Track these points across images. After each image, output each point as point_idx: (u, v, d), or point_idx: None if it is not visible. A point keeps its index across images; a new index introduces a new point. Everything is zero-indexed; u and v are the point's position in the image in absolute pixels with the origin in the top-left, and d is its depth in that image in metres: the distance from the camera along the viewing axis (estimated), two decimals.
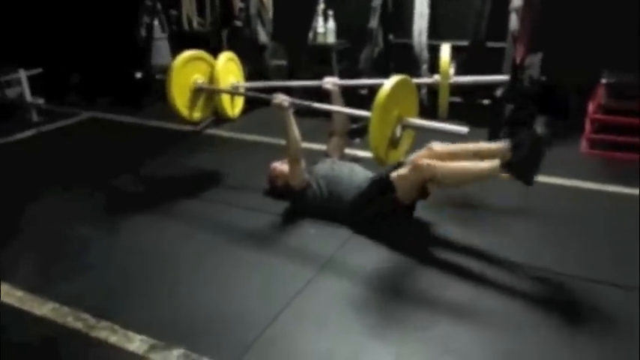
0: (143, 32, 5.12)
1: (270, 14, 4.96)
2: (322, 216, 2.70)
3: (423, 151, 2.47)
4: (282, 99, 2.63)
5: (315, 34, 4.54)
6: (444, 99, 2.66)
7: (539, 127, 2.18)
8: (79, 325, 1.95)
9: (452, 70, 2.77)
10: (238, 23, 4.60)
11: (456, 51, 4.07)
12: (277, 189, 2.90)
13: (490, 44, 4.08)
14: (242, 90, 3.08)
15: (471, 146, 2.39)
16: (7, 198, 3.16)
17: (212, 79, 2.96)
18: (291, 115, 2.64)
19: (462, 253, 2.36)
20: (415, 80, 2.43)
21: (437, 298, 2.05)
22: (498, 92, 3.49)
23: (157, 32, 5.30)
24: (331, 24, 4.48)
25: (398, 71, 3.70)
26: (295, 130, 2.63)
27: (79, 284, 2.22)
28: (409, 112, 2.33)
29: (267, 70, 4.80)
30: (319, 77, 3.00)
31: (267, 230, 2.65)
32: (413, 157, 2.46)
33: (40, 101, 4.74)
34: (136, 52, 5.15)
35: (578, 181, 3.11)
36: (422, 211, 2.66)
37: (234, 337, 1.86)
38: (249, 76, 4.81)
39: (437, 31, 4.20)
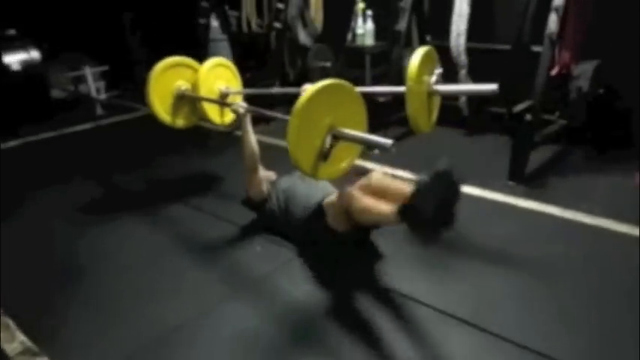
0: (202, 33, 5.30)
1: (320, 14, 4.84)
2: (278, 232, 2.57)
3: (364, 179, 2.23)
4: (239, 105, 2.57)
5: (354, 35, 4.34)
6: (412, 109, 2.32)
7: (442, 162, 1.72)
8: None
9: (434, 78, 2.42)
10: (277, 25, 4.54)
11: (497, 55, 3.69)
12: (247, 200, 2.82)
13: (536, 48, 3.55)
14: (227, 97, 3.02)
15: (403, 187, 2.04)
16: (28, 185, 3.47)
17: (194, 85, 2.95)
18: (247, 122, 2.55)
19: (395, 300, 2.07)
20: (361, 89, 2.13)
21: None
22: (519, 106, 3.02)
23: (217, 33, 5.47)
24: (370, 25, 4.24)
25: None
26: (251, 138, 2.54)
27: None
28: (347, 121, 2.00)
29: (309, 72, 4.70)
30: (354, 82, 2.81)
31: (218, 241, 2.60)
32: (359, 182, 2.23)
33: (103, 96, 5.16)
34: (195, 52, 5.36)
35: (628, 226, 2.51)
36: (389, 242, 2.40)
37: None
38: (293, 79, 4.81)
39: (477, 32, 3.76)
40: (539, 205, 2.81)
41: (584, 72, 3.21)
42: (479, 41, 3.75)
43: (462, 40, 3.76)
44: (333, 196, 2.29)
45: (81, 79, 5.19)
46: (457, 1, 3.73)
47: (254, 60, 5.35)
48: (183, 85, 2.96)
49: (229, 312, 2.05)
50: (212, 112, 2.99)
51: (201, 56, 5.19)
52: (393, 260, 2.33)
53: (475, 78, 3.90)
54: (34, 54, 4.61)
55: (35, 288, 2.32)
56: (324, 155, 1.94)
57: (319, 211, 2.31)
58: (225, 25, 5.41)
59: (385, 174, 2.25)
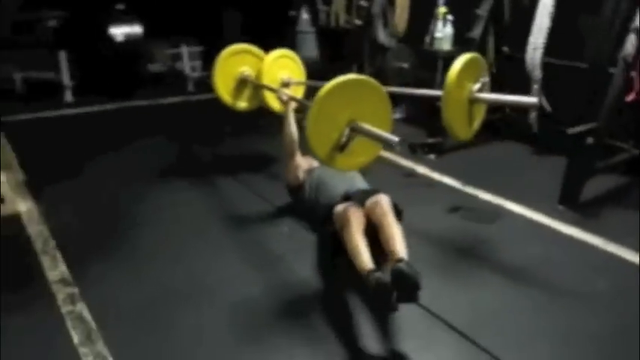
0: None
1: (405, 14, 4.86)
2: (307, 218, 2.70)
3: (373, 199, 2.26)
4: (282, 93, 2.72)
5: (432, 38, 4.33)
6: (448, 114, 2.33)
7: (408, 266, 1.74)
8: None
9: (477, 86, 2.42)
10: (357, 22, 4.64)
11: (574, 74, 3.53)
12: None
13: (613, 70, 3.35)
14: (289, 86, 3.17)
15: (394, 239, 2.01)
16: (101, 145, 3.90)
17: (258, 73, 3.14)
18: (289, 110, 2.70)
19: None
20: (395, 89, 2.19)
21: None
22: (578, 128, 2.88)
23: (306, 26, 5.68)
24: (449, 30, 4.21)
25: (510, 87, 3.40)
26: (291, 125, 2.68)
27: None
28: (370, 117, 2.05)
29: (386, 72, 4.74)
30: (422, 84, 2.87)
31: (252, 216, 2.80)
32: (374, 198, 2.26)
33: (196, 74, 5.57)
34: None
35: None
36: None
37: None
38: (370, 76, 4.86)
39: (555, 48, 3.61)
40: (582, 234, 2.68)
41: None
42: (557, 57, 3.60)
43: (539, 54, 3.63)
44: (341, 206, 2.28)
45: (178, 57, 5.64)
46: (538, 14, 3.60)
47: (339, 54, 5.48)
48: (246, 70, 3.17)
49: (239, 279, 2.22)
50: (271, 98, 3.16)
51: (288, 47, 5.48)
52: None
53: (550, 94, 3.76)
54: (137, 29, 5.10)
55: (87, 231, 2.64)
56: (341, 146, 2.03)
57: (327, 215, 2.35)
58: (314, 18, 5.61)
59: (386, 212, 2.16)
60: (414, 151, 3.84)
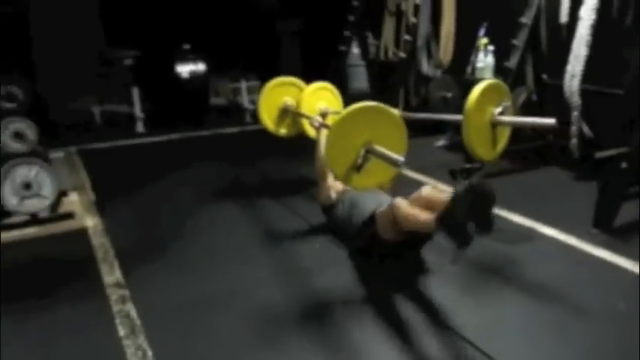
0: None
1: (451, 45, 5.02)
2: (340, 237, 2.89)
3: (414, 194, 2.43)
4: (315, 119, 2.96)
5: (474, 68, 4.46)
6: (468, 136, 2.47)
7: (476, 178, 1.88)
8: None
9: (499, 109, 2.55)
10: (402, 54, 4.85)
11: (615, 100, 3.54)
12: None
13: None
14: (326, 116, 3.40)
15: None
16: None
17: (298, 102, 3.42)
18: (321, 136, 2.93)
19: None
20: (416, 115, 2.37)
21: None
22: (608, 152, 2.90)
23: (357, 59, 5.97)
24: (490, 59, 4.34)
25: (550, 115, 3.49)
26: (322, 150, 2.90)
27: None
28: (385, 140, 2.23)
29: (430, 101, 4.91)
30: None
31: (287, 232, 3.04)
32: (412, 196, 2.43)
33: (253, 107, 5.97)
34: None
35: None
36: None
37: None
38: (414, 108, 5.04)
39: (592, 75, 3.64)
40: (613, 257, 2.68)
41: None
42: (594, 83, 3.63)
43: (576, 82, 3.66)
44: (385, 206, 2.48)
45: (238, 91, 6.09)
46: (575, 43, 3.66)
47: (387, 85, 5.70)
48: (289, 100, 3.46)
49: (268, 288, 2.43)
50: (307, 126, 3.42)
51: (339, 80, 5.78)
52: (435, 275, 2.48)
53: (590, 120, 3.77)
54: (201, 66, 5.60)
55: (142, 242, 2.98)
56: (357, 167, 2.22)
57: (370, 219, 2.55)
58: (364, 52, 5.89)
59: (435, 188, 2.40)
60: (454, 176, 3.94)
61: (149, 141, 5.32)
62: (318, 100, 3.45)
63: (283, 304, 2.30)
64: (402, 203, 2.30)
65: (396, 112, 2.78)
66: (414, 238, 2.46)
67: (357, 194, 2.83)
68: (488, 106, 2.54)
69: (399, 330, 2.09)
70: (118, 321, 2.20)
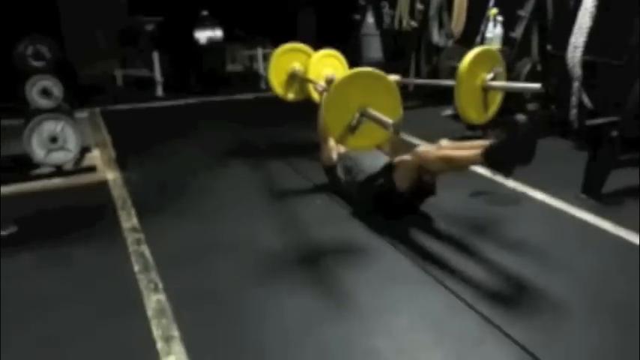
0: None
1: (463, 16, 5.10)
2: (341, 195, 3.09)
3: (432, 146, 2.58)
4: (318, 85, 3.13)
5: (483, 38, 4.54)
6: (460, 100, 2.63)
7: (520, 117, 2.07)
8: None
9: (490, 75, 2.70)
10: (413, 23, 4.95)
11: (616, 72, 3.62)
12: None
13: None
14: (332, 82, 3.57)
15: (475, 143, 2.40)
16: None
17: (306, 68, 3.59)
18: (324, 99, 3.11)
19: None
20: (410, 80, 2.52)
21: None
22: (598, 121, 3.02)
23: (372, 29, 6.06)
24: (499, 30, 4.41)
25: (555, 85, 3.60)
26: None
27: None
28: (379, 105, 2.40)
29: (440, 70, 5.02)
30: None
31: (292, 189, 3.28)
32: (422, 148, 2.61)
33: None
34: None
35: None
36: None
37: None
38: (426, 77, 5.14)
39: (595, 46, 3.71)
40: (597, 220, 2.83)
41: None
42: (596, 55, 3.71)
43: (579, 52, 3.74)
44: (405, 155, 2.63)
45: (255, 58, 6.26)
46: (580, 14, 3.72)
47: (400, 54, 5.80)
48: (297, 66, 3.63)
49: (268, 238, 2.66)
50: (313, 91, 3.60)
51: (353, 48, 5.88)
52: (427, 230, 2.69)
53: (592, 92, 3.86)
54: (218, 33, 5.77)
55: (157, 194, 3.24)
56: (352, 128, 2.41)
57: (389, 166, 2.73)
58: (379, 21, 5.97)
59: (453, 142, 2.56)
60: None
61: (167, 104, 5.57)
62: (324, 66, 3.61)
63: (282, 251, 2.54)
64: (432, 149, 2.49)
65: (392, 78, 2.98)
66: (421, 191, 2.70)
67: (358, 154, 3.01)
68: (480, 71, 2.69)
69: (386, 277, 2.31)
70: (133, 259, 2.46)
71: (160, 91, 5.83)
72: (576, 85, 3.83)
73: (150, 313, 2.06)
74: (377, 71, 2.45)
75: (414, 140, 4.22)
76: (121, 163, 3.71)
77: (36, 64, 3.30)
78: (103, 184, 3.36)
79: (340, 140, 2.44)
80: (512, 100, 4.37)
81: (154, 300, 2.14)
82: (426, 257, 2.44)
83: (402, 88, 5.15)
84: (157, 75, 5.76)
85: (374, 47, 6.10)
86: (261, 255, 2.51)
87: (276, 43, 6.25)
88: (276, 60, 3.61)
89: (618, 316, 2.01)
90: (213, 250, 2.56)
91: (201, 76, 5.82)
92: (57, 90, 3.33)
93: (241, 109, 5.49)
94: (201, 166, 3.70)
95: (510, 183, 3.32)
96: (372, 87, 2.41)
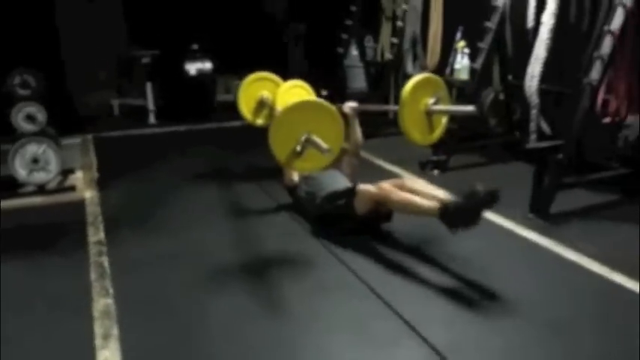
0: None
1: (438, 46, 5.32)
2: (303, 213, 3.27)
3: (395, 180, 2.92)
4: (278, 111, 3.34)
5: (452, 69, 4.77)
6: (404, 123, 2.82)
7: (479, 185, 2.32)
8: None
9: (432, 100, 2.89)
10: (388, 56, 5.20)
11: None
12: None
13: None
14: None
15: (434, 191, 2.65)
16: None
17: (274, 97, 3.82)
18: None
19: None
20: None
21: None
22: (541, 144, 3.19)
23: (356, 61, 6.34)
24: (466, 61, 4.64)
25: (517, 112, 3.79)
26: None
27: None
28: (324, 132, 2.55)
29: None
30: None
31: (255, 208, 3.49)
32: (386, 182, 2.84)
33: None
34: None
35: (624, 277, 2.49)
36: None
37: None
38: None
39: (549, 75, 3.91)
40: (540, 238, 2.95)
41: (634, 123, 3.21)
42: (552, 84, 3.90)
43: (535, 82, 3.94)
44: (370, 185, 2.82)
45: None
46: (536, 46, 3.94)
47: (379, 85, 6.04)
48: (265, 94, 3.87)
49: (223, 250, 2.85)
50: None
51: (338, 79, 6.14)
52: (377, 247, 2.84)
53: (549, 118, 4.04)
54: (207, 64, 6.09)
55: (127, 212, 3.47)
56: (297, 153, 2.58)
57: (351, 191, 2.94)
58: (362, 54, 6.25)
59: (416, 181, 2.88)
60: (422, 167, 4.27)
61: (158, 131, 5.84)
62: (292, 96, 3.82)
63: (235, 262, 2.71)
64: (395, 189, 2.73)
65: (349, 105, 3.21)
66: (378, 217, 2.91)
67: (318, 175, 3.20)
68: (423, 97, 2.89)
69: (325, 286, 2.47)
70: (92, 268, 2.65)
71: (152, 119, 6.12)
72: (534, 112, 4.02)
73: (96, 314, 2.24)
74: (320, 101, 2.67)
75: (385, 165, 4.42)
76: (101, 184, 3.93)
77: (22, 92, 3.57)
78: (80, 203, 3.58)
79: (286, 163, 2.63)
80: (482, 127, 4.60)
81: (102, 303, 2.32)
82: (367, 269, 2.59)
83: (383, 115, 5.40)
84: (150, 104, 6.06)
85: (358, 78, 6.36)
86: (212, 266, 2.68)
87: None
88: (246, 88, 3.85)
89: (534, 318, 2.14)
90: (168, 260, 2.74)
91: (191, 105, 6.11)
92: (41, 116, 3.60)
93: (227, 135, 5.72)
94: (176, 187, 3.90)
95: None
96: (316, 115, 2.60)
